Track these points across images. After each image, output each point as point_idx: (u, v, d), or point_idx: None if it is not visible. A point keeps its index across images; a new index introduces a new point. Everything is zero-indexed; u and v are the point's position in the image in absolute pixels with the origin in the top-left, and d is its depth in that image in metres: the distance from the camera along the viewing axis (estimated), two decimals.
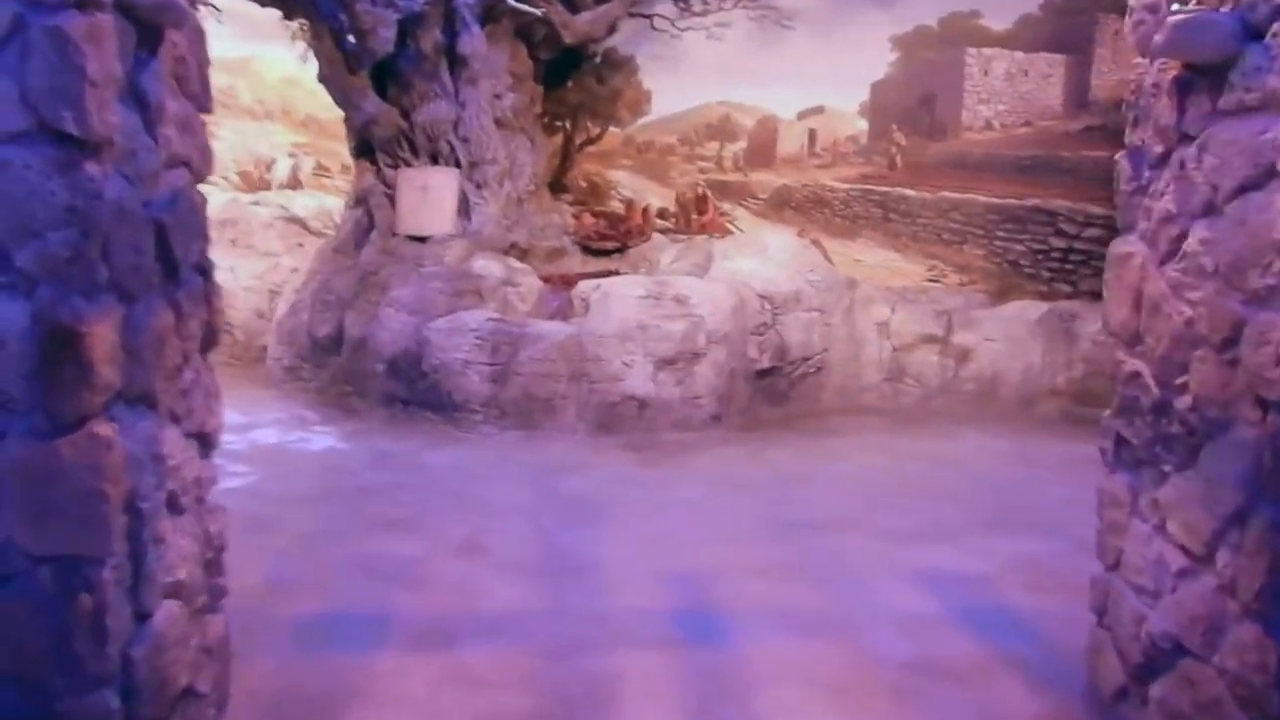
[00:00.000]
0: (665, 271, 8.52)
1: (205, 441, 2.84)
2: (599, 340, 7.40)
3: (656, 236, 9.44)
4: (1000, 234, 8.95)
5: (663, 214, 9.84)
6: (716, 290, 7.79)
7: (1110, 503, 3.18)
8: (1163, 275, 2.83)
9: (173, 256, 2.54)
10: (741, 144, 10.06)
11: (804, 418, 8.02)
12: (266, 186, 10.47)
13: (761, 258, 8.47)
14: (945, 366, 8.57)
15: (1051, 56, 8.95)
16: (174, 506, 2.54)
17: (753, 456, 6.90)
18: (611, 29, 9.37)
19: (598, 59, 9.80)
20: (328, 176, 10.73)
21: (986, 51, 9.08)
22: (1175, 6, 2.68)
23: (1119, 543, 3.11)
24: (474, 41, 8.35)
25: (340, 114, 8.72)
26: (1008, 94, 9.04)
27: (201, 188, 2.86)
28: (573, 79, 9.82)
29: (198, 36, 2.74)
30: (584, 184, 10.10)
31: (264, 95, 10.90)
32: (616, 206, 9.92)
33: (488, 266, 8.14)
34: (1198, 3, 2.64)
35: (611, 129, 10.07)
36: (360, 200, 8.69)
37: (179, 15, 2.47)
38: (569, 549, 4.95)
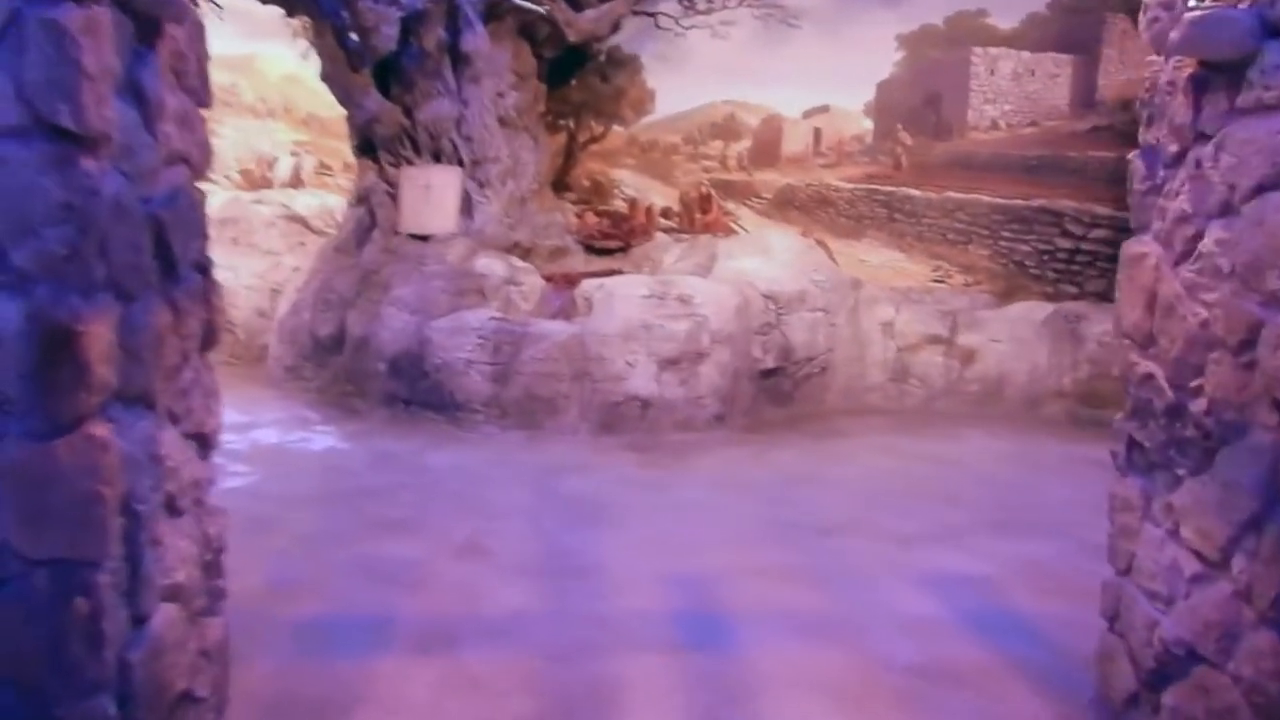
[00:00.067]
0: (669, 271, 8.49)
1: (204, 442, 2.80)
2: (602, 340, 7.36)
3: (660, 236, 9.41)
4: (1006, 234, 8.91)
5: (666, 213, 9.81)
6: (720, 290, 7.75)
7: (1121, 506, 3.14)
8: (1177, 276, 2.79)
9: (171, 254, 2.50)
10: (746, 143, 10.02)
11: (808, 418, 7.98)
12: (268, 185, 10.43)
13: (765, 257, 8.44)
14: (950, 367, 8.54)
15: (1058, 56, 8.90)
16: (172, 508, 2.50)
17: (757, 457, 6.86)
18: (615, 27, 9.34)
19: (601, 57, 9.77)
20: (330, 175, 10.70)
21: (993, 51, 9.03)
22: (1192, 3, 2.63)
23: (1130, 547, 3.07)
24: (477, 39, 8.31)
25: (342, 112, 8.69)
26: (1014, 94, 8.99)
27: (202, 186, 2.83)
28: (576, 77, 9.79)
29: (197, 31, 2.70)
30: (587, 183, 10.07)
31: (266, 93, 10.86)
32: (620, 206, 9.88)
33: (490, 265, 8.11)
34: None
35: (615, 128, 10.03)
36: (362, 199, 8.65)
37: (178, 9, 2.43)
38: (571, 550, 4.91)
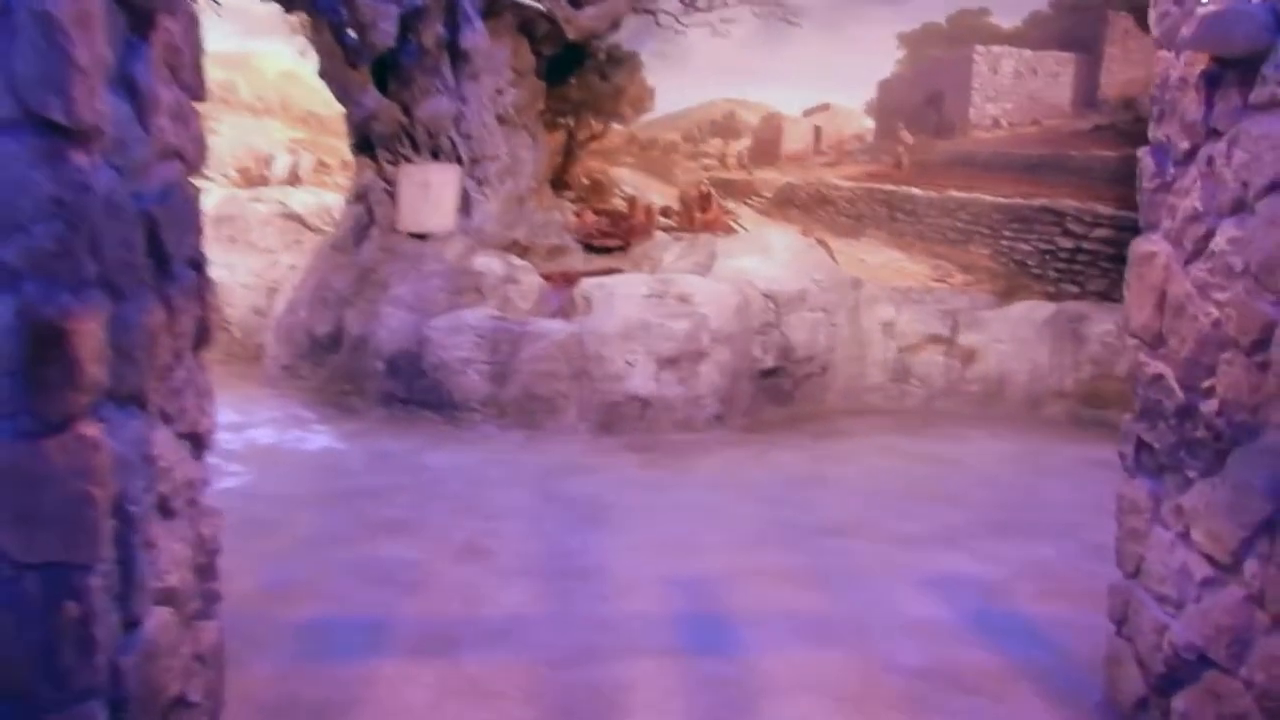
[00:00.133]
0: (668, 270, 8.44)
1: (198, 442, 2.75)
2: (601, 339, 7.32)
3: (659, 235, 9.37)
4: (1007, 234, 8.87)
5: (665, 212, 9.77)
6: (720, 289, 7.71)
7: (1130, 509, 3.10)
8: (1188, 275, 2.75)
9: (164, 251, 2.45)
10: (746, 142, 9.98)
11: (808, 418, 7.95)
12: (265, 183, 10.39)
13: (765, 256, 8.39)
14: (951, 367, 8.50)
15: (1060, 55, 8.86)
16: (165, 510, 2.45)
17: (757, 458, 6.82)
18: (615, 25, 9.30)
19: (601, 55, 9.73)
20: (327, 173, 10.65)
21: (995, 49, 9.00)
22: None
23: (1139, 550, 3.03)
24: (476, 36, 8.27)
25: (340, 109, 8.64)
26: (1016, 92, 8.95)
27: (199, 183, 2.78)
28: (576, 75, 9.75)
29: (192, 23, 2.65)
30: (586, 181, 10.03)
31: (263, 91, 10.82)
32: (619, 204, 9.84)
33: (489, 264, 8.06)
34: None
35: (614, 126, 9.99)
36: (360, 197, 8.60)
37: (171, 1, 2.38)
38: (572, 552, 4.87)
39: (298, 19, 8.94)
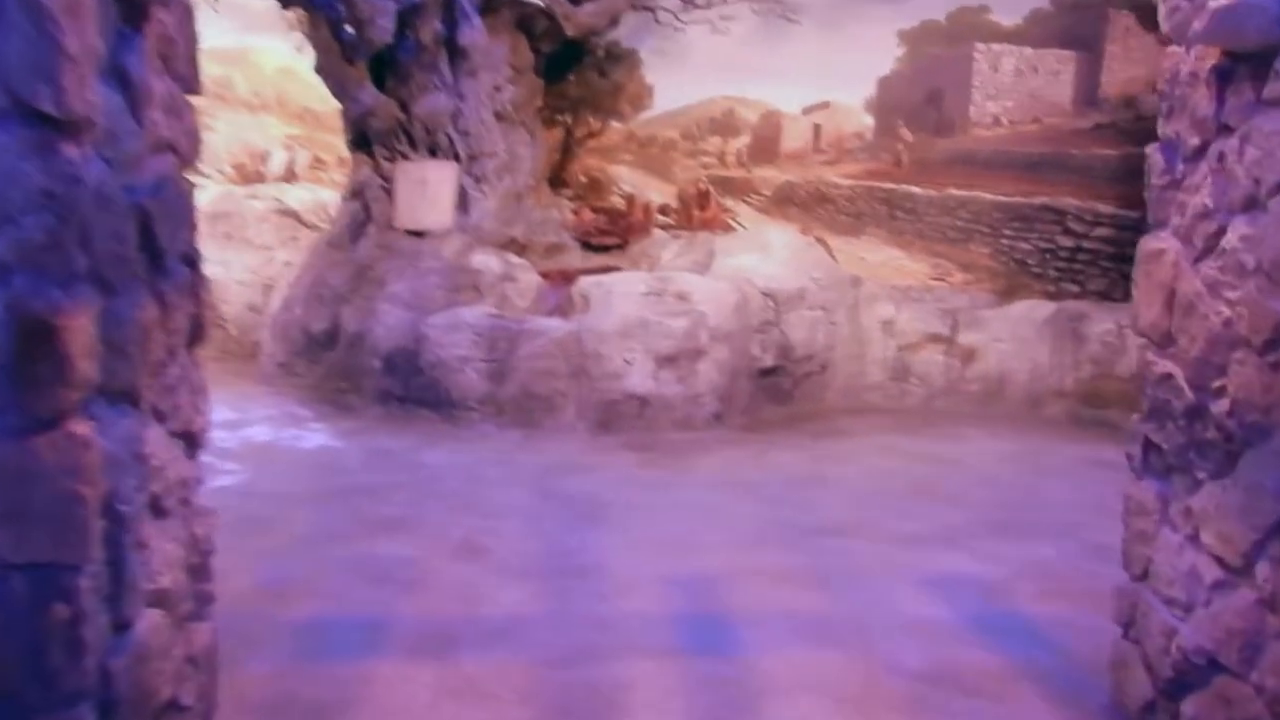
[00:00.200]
0: (667, 268, 8.40)
1: (192, 441, 2.70)
2: (599, 337, 7.28)
3: (657, 233, 9.32)
4: (1007, 232, 8.83)
5: (664, 210, 9.72)
6: (719, 287, 7.67)
7: (1137, 510, 3.06)
8: (1198, 273, 2.71)
9: (157, 246, 2.40)
10: (745, 139, 9.93)
11: (808, 417, 7.91)
12: (261, 179, 10.33)
13: (764, 254, 8.35)
14: (950, 366, 8.47)
15: (1061, 53, 8.82)
16: (157, 509, 2.41)
17: (757, 457, 6.78)
18: (614, 21, 9.24)
19: (600, 52, 9.67)
20: (324, 169, 10.60)
21: (995, 47, 8.95)
22: None
23: (1146, 552, 2.99)
24: (474, 33, 8.22)
25: (337, 105, 8.58)
26: (1016, 90, 8.91)
27: (194, 179, 2.73)
28: (574, 72, 9.69)
29: (185, 14, 2.60)
30: (584, 179, 9.98)
31: (260, 86, 10.76)
32: (617, 202, 9.80)
33: (486, 262, 8.02)
34: None
35: (613, 123, 9.93)
36: (357, 193, 8.55)
37: None
38: (571, 551, 4.83)
39: (295, 15, 8.88)
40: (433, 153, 8.42)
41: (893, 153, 9.42)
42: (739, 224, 9.57)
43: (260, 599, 4.07)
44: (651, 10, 9.38)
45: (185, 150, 2.63)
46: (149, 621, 2.35)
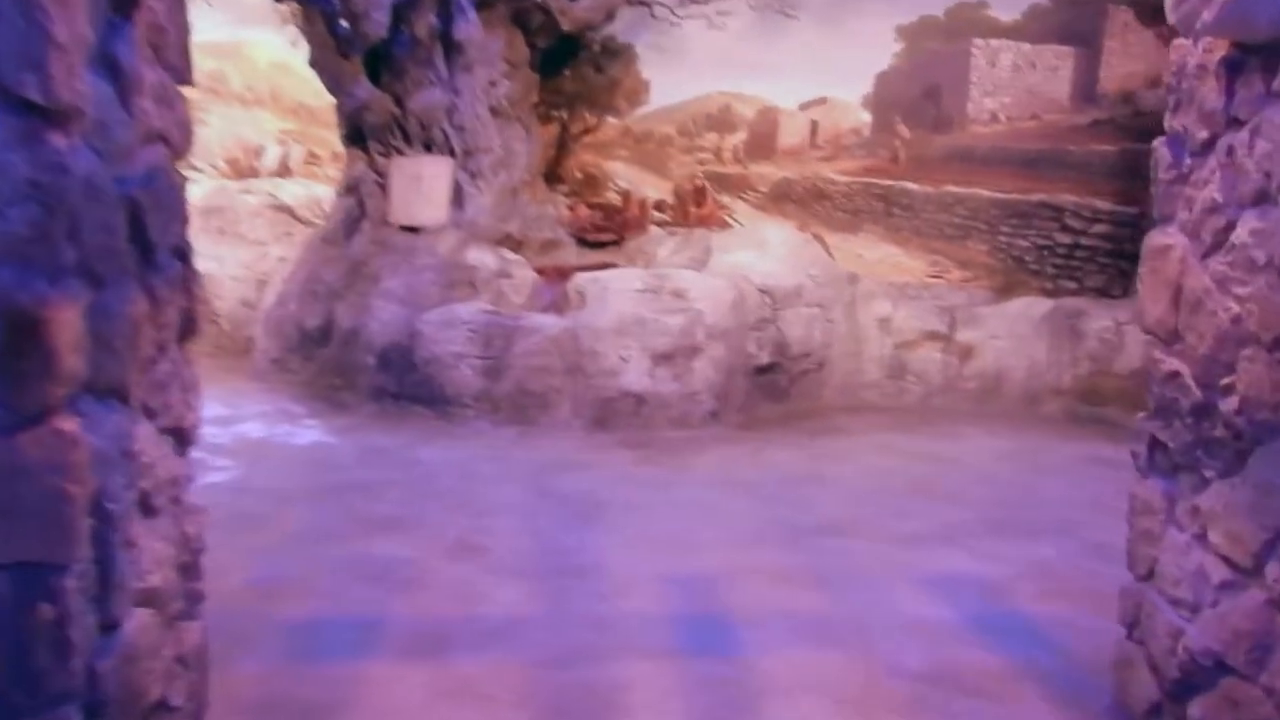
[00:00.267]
0: (663, 264, 8.35)
1: (182, 438, 2.65)
2: (595, 334, 7.23)
3: (654, 229, 9.27)
4: (1005, 229, 8.79)
5: (660, 206, 9.67)
6: (716, 284, 7.62)
7: (1143, 509, 3.02)
8: (1206, 269, 2.67)
9: (147, 238, 2.35)
10: (741, 135, 9.88)
11: (804, 415, 7.87)
12: (255, 174, 10.26)
13: (761, 251, 8.31)
14: (948, 364, 8.44)
15: (1059, 48, 8.77)
16: (147, 508, 2.36)
17: (753, 455, 6.74)
18: (610, 16, 9.18)
19: (596, 47, 9.60)
20: (318, 164, 10.53)
21: (994, 43, 8.90)
22: None
23: (1152, 552, 2.95)
24: (469, 27, 8.16)
25: (331, 100, 8.52)
26: (1014, 86, 8.86)
27: (188, 175, 2.68)
28: (570, 67, 9.62)
29: (177, 3, 2.55)
30: (580, 175, 9.91)
31: (253, 81, 10.68)
32: (613, 198, 9.73)
33: (481, 258, 7.97)
34: None
35: (609, 119, 9.87)
36: (351, 189, 8.49)
37: None
38: (567, 550, 4.78)
39: (289, 8, 8.80)
40: (428, 148, 8.36)
41: (890, 149, 9.38)
42: (735, 220, 9.52)
43: (252, 597, 4.02)
44: (648, 5, 9.32)
45: (177, 141, 2.58)
46: (138, 621, 2.30)
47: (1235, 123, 2.55)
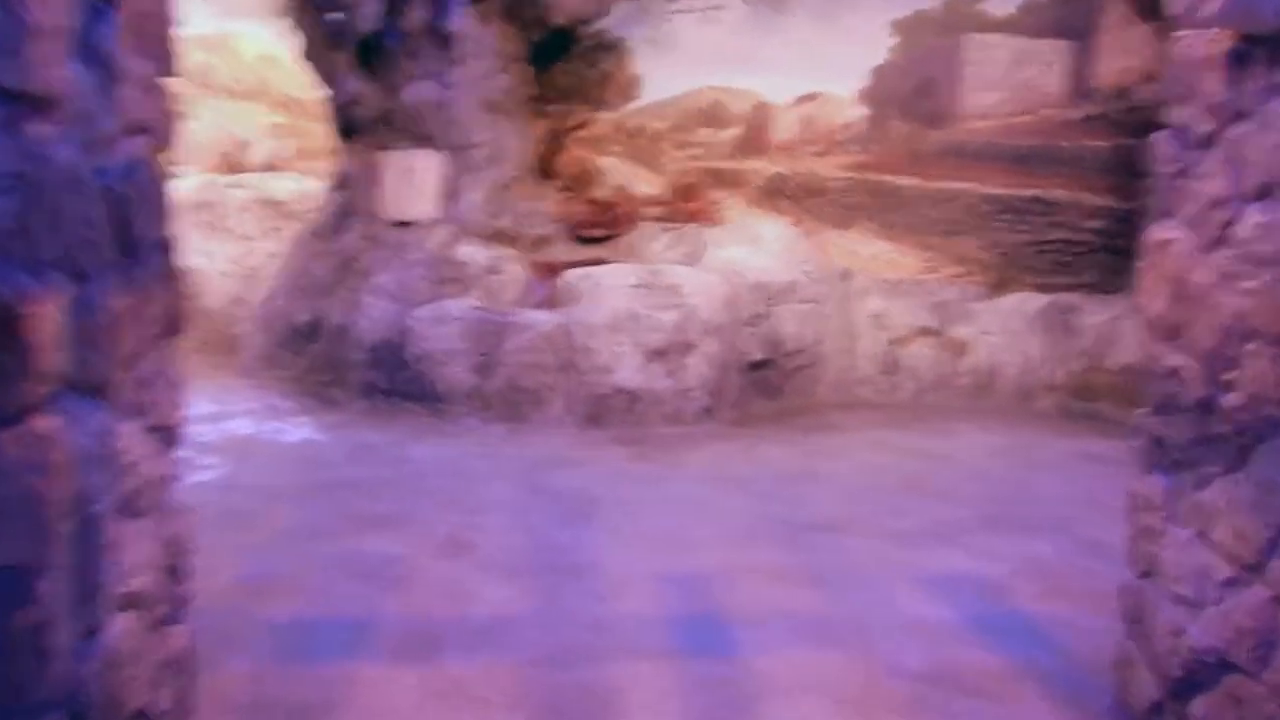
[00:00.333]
0: (656, 260, 8.30)
1: (168, 437, 2.60)
2: (588, 330, 7.18)
3: (647, 225, 9.20)
4: (998, 225, 8.75)
5: (653, 201, 9.60)
6: (709, 280, 7.58)
7: (1143, 506, 2.99)
8: (1208, 263, 2.63)
9: (131, 231, 2.29)
10: (734, 130, 9.82)
11: (798, 411, 7.84)
12: (244, 168, 10.16)
13: (755, 247, 8.27)
14: (941, 360, 8.41)
15: (1054, 43, 8.73)
16: (131, 509, 2.30)
17: (747, 451, 6.70)
18: (603, 10, 9.11)
19: (588, 41, 9.53)
20: (308, 159, 10.44)
21: (989, 38, 8.86)
22: None
23: (1153, 549, 2.92)
24: (461, 20, 8.09)
25: (322, 94, 8.45)
26: (1008, 81, 8.82)
27: (172, 165, 2.62)
28: (562, 62, 9.54)
29: None
30: (572, 170, 9.84)
31: (242, 74, 10.58)
32: (606, 193, 9.67)
33: (472, 253, 7.91)
34: None
35: (601, 114, 9.79)
36: (341, 183, 8.42)
37: None
38: (561, 548, 4.73)
39: (279, 0, 8.73)
40: (419, 142, 8.29)
41: (884, 144, 9.33)
42: (729, 216, 9.47)
43: (241, 596, 3.97)
44: None
45: (160, 132, 2.52)
46: (121, 626, 2.25)
47: (1240, 115, 2.52)
